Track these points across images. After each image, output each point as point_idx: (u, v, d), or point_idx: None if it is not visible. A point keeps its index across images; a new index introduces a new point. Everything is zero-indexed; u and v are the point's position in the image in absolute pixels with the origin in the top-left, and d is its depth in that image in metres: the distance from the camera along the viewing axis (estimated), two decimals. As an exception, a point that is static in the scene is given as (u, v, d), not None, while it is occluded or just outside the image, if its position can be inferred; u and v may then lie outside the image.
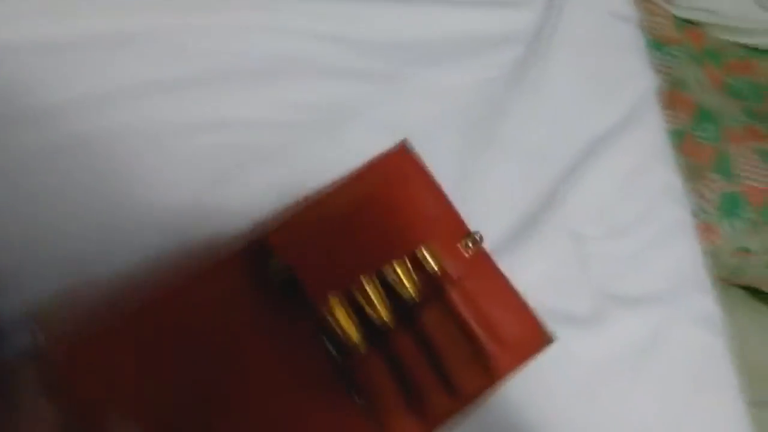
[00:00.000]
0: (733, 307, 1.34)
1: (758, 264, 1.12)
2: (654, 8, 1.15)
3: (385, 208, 0.49)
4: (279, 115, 0.52)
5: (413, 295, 0.46)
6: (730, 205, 1.02)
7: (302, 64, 0.55)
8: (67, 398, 0.36)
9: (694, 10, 1.16)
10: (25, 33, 0.48)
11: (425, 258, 0.48)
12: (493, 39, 0.62)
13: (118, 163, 0.47)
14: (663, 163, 0.64)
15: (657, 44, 1.12)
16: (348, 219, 0.47)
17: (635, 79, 0.67)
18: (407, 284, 0.46)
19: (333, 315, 0.43)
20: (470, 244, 0.50)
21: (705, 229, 1.01)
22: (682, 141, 1.03)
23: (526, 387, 0.48)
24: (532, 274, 0.52)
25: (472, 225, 0.51)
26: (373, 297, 0.44)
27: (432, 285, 0.48)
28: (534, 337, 0.50)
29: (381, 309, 0.44)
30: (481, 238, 0.50)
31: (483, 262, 0.51)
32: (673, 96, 1.07)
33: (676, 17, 1.17)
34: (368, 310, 0.44)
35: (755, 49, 1.24)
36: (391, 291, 0.45)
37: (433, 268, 0.48)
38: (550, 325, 0.50)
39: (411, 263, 0.47)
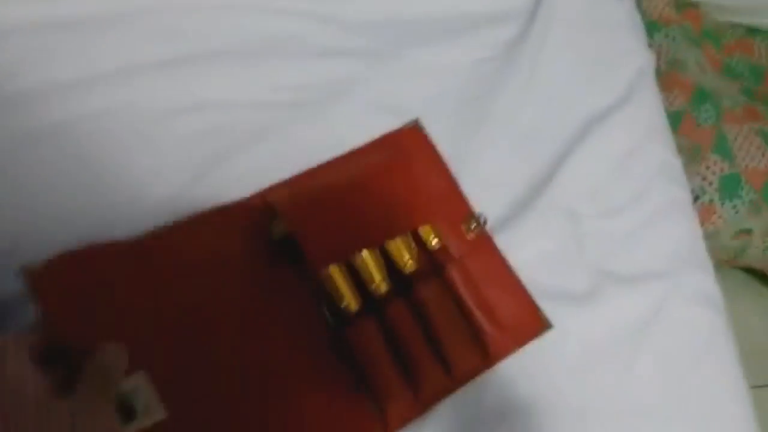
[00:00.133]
0: (735, 290, 1.35)
1: (759, 246, 1.11)
2: (652, -11, 1.14)
3: (392, 183, 0.49)
4: (271, 95, 0.52)
5: (412, 268, 0.46)
6: (731, 187, 1.01)
7: (293, 44, 0.54)
8: (48, 325, 0.35)
9: (692, -9, 1.15)
10: (7, 15, 0.47)
11: (427, 235, 0.48)
12: (487, 18, 0.62)
13: (105, 148, 0.46)
14: (660, 143, 0.64)
15: (655, 25, 1.11)
16: (354, 190, 0.47)
17: (631, 57, 0.66)
18: (407, 257, 0.46)
19: (331, 280, 0.42)
20: (473, 226, 0.50)
21: (705, 211, 1.01)
22: (681, 122, 1.02)
23: (522, 364, 0.48)
24: (528, 253, 0.52)
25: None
26: (371, 266, 0.44)
27: (432, 262, 0.48)
28: (531, 322, 0.50)
29: (378, 278, 0.44)
30: (485, 220, 0.50)
31: (485, 245, 0.51)
32: (671, 77, 1.06)
33: (674, -2, 1.16)
34: (366, 277, 0.44)
35: (754, 30, 1.23)
36: (390, 263, 0.45)
37: (434, 246, 0.48)
38: (547, 303, 0.51)
39: (413, 239, 0.47)
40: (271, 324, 0.42)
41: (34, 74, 0.46)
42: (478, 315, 0.47)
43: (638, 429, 0.50)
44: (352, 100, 0.54)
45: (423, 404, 0.44)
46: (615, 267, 0.55)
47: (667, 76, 1.06)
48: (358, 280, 0.44)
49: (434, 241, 0.48)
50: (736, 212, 1.03)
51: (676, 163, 0.64)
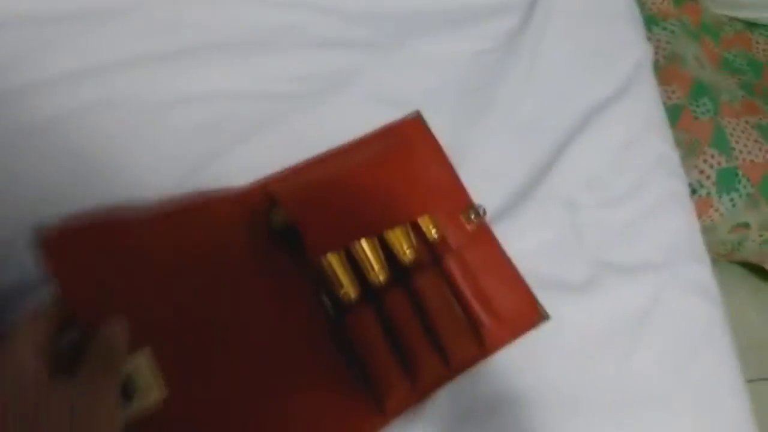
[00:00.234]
0: (732, 284, 1.36)
1: (756, 240, 1.12)
2: (651, -17, 1.14)
3: (393, 173, 0.49)
4: (271, 86, 0.52)
5: (411, 258, 0.46)
6: (728, 180, 1.02)
7: (293, 35, 0.54)
8: (58, 291, 0.35)
9: (691, -15, 1.15)
10: (4, 7, 0.47)
11: (427, 226, 0.48)
12: (488, 9, 0.62)
13: (102, 141, 0.46)
14: (657, 135, 0.64)
15: (654, 19, 1.11)
16: (355, 180, 0.47)
17: (629, 50, 0.67)
18: (405, 247, 0.46)
19: (330, 268, 0.43)
20: (473, 217, 0.50)
21: (703, 204, 1.01)
22: (679, 116, 1.03)
23: (519, 353, 0.48)
24: (527, 243, 0.52)
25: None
26: (370, 255, 0.44)
27: (431, 252, 0.48)
28: (529, 313, 0.50)
29: (377, 267, 0.44)
30: (484, 211, 0.50)
31: (484, 236, 0.51)
32: (670, 71, 1.06)
33: (673, -8, 1.16)
34: (364, 267, 0.44)
35: (753, 24, 1.23)
36: (389, 253, 0.46)
37: (433, 236, 0.48)
38: (545, 292, 0.51)
39: (412, 229, 0.47)
40: (270, 311, 0.42)
41: (31, 67, 0.46)
42: (476, 305, 0.47)
43: (634, 419, 0.50)
44: (352, 91, 0.54)
45: (420, 393, 0.44)
46: (613, 257, 0.55)
47: (665, 70, 1.06)
48: (357, 269, 0.44)
49: (433, 232, 0.48)
50: (734, 206, 1.03)
51: (673, 155, 0.64)
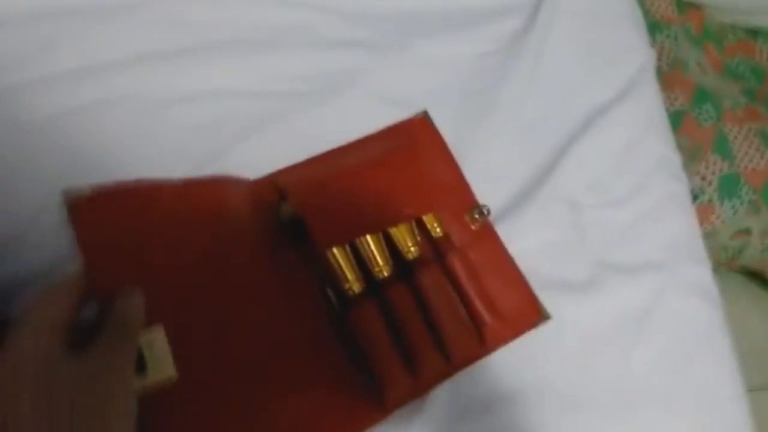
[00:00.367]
0: (734, 292, 1.36)
1: (758, 247, 1.12)
2: (655, -10, 1.15)
3: (399, 171, 0.50)
4: (274, 85, 0.52)
5: (415, 255, 0.46)
6: (730, 187, 1.02)
7: (298, 34, 0.55)
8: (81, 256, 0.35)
9: (694, -8, 1.16)
10: (7, 4, 0.47)
11: (431, 223, 0.49)
12: (491, 11, 0.63)
13: (105, 139, 0.46)
14: (659, 137, 0.64)
15: (658, 25, 1.11)
16: (362, 176, 0.47)
17: (632, 53, 0.67)
18: (410, 244, 0.46)
19: (336, 262, 0.43)
20: (477, 216, 0.51)
21: (704, 211, 1.02)
22: (682, 122, 1.03)
23: (520, 351, 0.48)
24: (529, 242, 0.53)
25: (470, 194, 0.51)
26: (375, 250, 0.44)
27: (435, 250, 0.49)
28: (530, 313, 0.50)
29: (381, 262, 0.44)
30: (488, 211, 0.51)
31: (488, 235, 0.52)
32: (673, 77, 1.07)
33: (677, -1, 1.16)
34: (369, 262, 0.44)
35: (756, 31, 1.24)
36: (394, 249, 0.46)
37: (437, 234, 0.49)
38: (547, 292, 0.51)
39: (417, 227, 0.48)
40: (276, 300, 0.43)
41: (32, 65, 0.46)
42: (478, 303, 0.47)
43: (634, 418, 0.50)
44: (354, 92, 0.54)
45: (421, 388, 0.45)
46: (614, 258, 0.55)
47: (668, 76, 1.06)
48: (362, 264, 0.44)
49: (438, 230, 0.49)
50: (735, 212, 1.03)
51: (674, 158, 0.64)
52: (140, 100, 0.48)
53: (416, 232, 0.47)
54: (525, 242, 0.52)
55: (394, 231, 0.46)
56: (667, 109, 0.69)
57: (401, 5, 0.59)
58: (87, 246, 0.36)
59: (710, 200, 1.01)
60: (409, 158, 0.51)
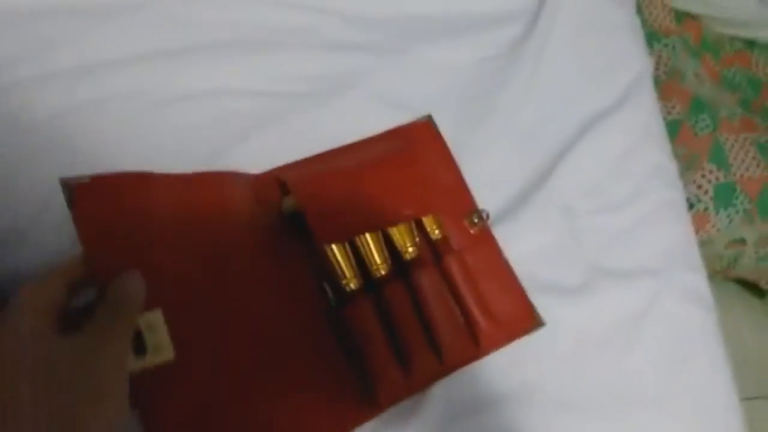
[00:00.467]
0: (728, 302, 1.36)
1: (752, 256, 1.12)
2: (654, 0, 1.16)
3: (401, 172, 0.50)
4: (277, 86, 0.53)
5: (412, 255, 0.46)
6: (726, 196, 1.03)
7: (301, 36, 0.55)
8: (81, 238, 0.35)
9: (692, 3, 1.17)
10: (6, 3, 0.47)
11: (430, 225, 0.49)
12: (492, 18, 0.63)
13: (108, 136, 0.46)
14: (655, 145, 0.65)
15: (656, 35, 1.12)
16: (364, 176, 0.48)
17: (630, 62, 0.68)
18: (408, 244, 0.47)
19: (335, 258, 0.43)
20: (476, 220, 0.51)
21: (700, 219, 1.02)
22: (678, 131, 1.04)
23: (515, 353, 0.49)
24: (525, 246, 0.53)
25: (468, 197, 0.51)
26: (373, 248, 0.45)
27: (433, 251, 0.49)
28: (525, 319, 0.51)
29: (379, 260, 0.45)
30: (487, 216, 0.51)
31: (486, 240, 0.52)
32: (670, 87, 1.08)
33: (675, 9, 1.18)
34: (367, 259, 0.44)
35: (752, 43, 1.25)
36: (392, 249, 0.46)
37: (436, 236, 0.49)
38: (541, 295, 0.52)
39: (416, 228, 0.48)
40: (273, 292, 0.43)
41: (33, 63, 0.46)
42: (473, 306, 0.48)
43: (627, 422, 0.50)
44: (355, 94, 0.55)
45: (413, 386, 0.45)
46: (609, 262, 0.56)
47: (666, 86, 1.07)
48: (360, 262, 0.45)
49: (437, 232, 0.49)
50: (731, 221, 1.04)
51: (671, 166, 0.65)
52: (140, 100, 0.48)
53: (415, 233, 0.48)
54: (521, 246, 0.53)
55: (393, 231, 0.46)
56: (665, 118, 0.70)
57: (403, 10, 0.60)
58: (86, 230, 0.36)
59: (706, 209, 1.02)
60: (410, 160, 0.51)
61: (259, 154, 0.49)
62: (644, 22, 1.10)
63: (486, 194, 0.54)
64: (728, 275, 1.23)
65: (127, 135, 0.47)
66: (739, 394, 0.57)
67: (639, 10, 0.77)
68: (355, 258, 0.44)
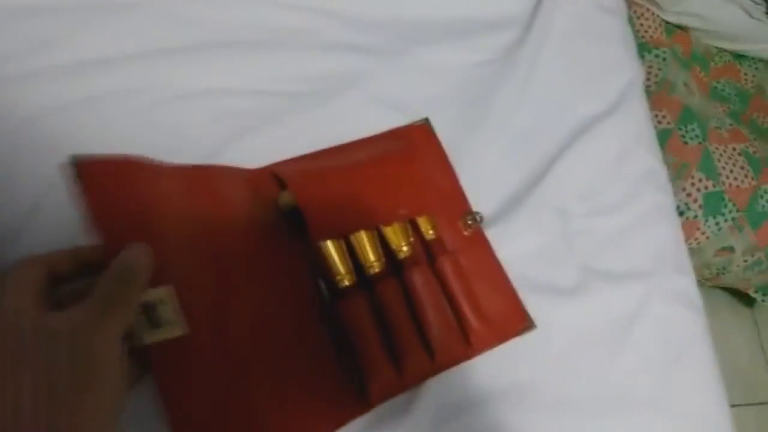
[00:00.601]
0: (717, 309, 1.38)
1: (741, 264, 1.14)
2: (644, 12, 1.18)
3: (397, 173, 0.51)
4: (275, 86, 0.53)
5: (406, 255, 0.47)
6: (714, 204, 1.04)
7: (299, 36, 0.56)
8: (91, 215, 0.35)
9: (683, 16, 1.20)
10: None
11: (425, 226, 0.49)
12: (488, 24, 0.64)
13: (108, 132, 0.46)
14: (646, 150, 0.66)
15: (647, 47, 1.14)
16: (361, 175, 0.48)
17: (622, 69, 0.69)
18: (402, 243, 0.47)
19: (330, 254, 0.43)
20: (470, 222, 0.52)
21: (689, 227, 1.04)
22: (668, 140, 1.05)
23: (507, 353, 0.49)
24: (518, 247, 0.54)
25: (462, 199, 0.52)
26: (367, 246, 0.45)
27: (426, 251, 0.49)
28: (516, 320, 0.51)
29: (373, 258, 0.45)
30: (481, 218, 0.52)
31: (479, 242, 0.53)
32: (660, 97, 1.10)
33: (665, 22, 1.20)
34: (362, 257, 0.45)
35: (741, 56, 1.28)
36: (387, 248, 0.47)
37: (430, 236, 0.49)
38: (533, 296, 0.52)
39: (411, 227, 0.49)
40: (268, 286, 0.43)
41: (30, 59, 0.46)
42: (466, 307, 0.48)
43: (617, 422, 0.51)
44: (353, 95, 0.55)
45: (404, 384, 0.45)
46: (602, 264, 0.57)
47: (656, 96, 1.09)
48: (355, 259, 0.45)
49: (431, 232, 0.50)
50: (719, 229, 1.05)
51: (661, 170, 0.66)
52: (137, 98, 0.48)
53: (410, 232, 0.48)
54: (515, 247, 0.53)
55: (387, 229, 0.47)
56: (655, 128, 0.71)
57: (402, 13, 0.61)
58: (96, 205, 0.35)
59: (695, 216, 1.03)
60: (407, 161, 0.52)
61: (256, 153, 0.49)
62: (635, 34, 1.12)
63: (480, 196, 0.54)
64: (717, 283, 1.24)
65: (124, 133, 0.46)
66: (729, 401, 0.57)
67: (630, 22, 0.78)
68: (350, 256, 0.45)
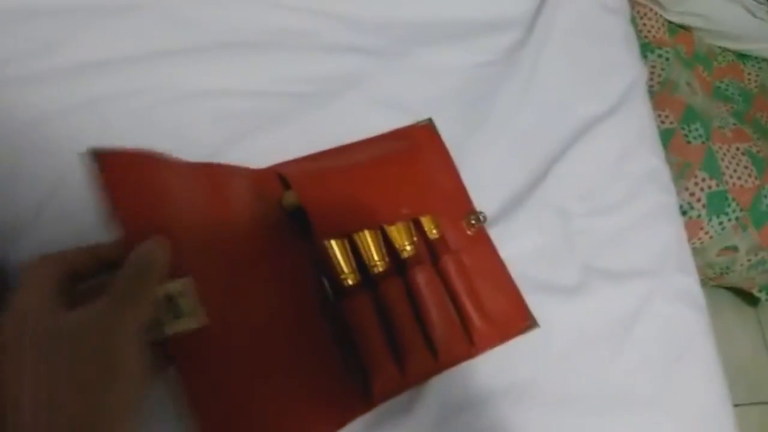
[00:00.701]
0: (721, 308, 1.37)
1: (744, 264, 1.14)
2: (647, 12, 1.18)
3: (401, 172, 0.51)
4: (277, 87, 0.53)
5: (410, 254, 0.47)
6: (718, 204, 1.04)
7: (301, 38, 0.56)
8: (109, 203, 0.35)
9: (686, 16, 1.20)
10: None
11: (428, 225, 0.50)
12: (490, 25, 0.65)
13: (108, 135, 0.46)
14: (649, 149, 0.66)
15: (650, 47, 1.14)
16: (365, 174, 0.49)
17: (624, 69, 0.69)
18: (406, 243, 0.47)
19: (334, 253, 0.44)
20: (473, 222, 0.52)
21: (693, 226, 1.03)
22: (671, 140, 1.05)
23: (509, 352, 0.49)
24: (520, 247, 0.54)
25: (465, 199, 0.52)
26: (371, 245, 0.45)
27: (430, 251, 0.50)
28: (519, 320, 0.52)
29: (377, 257, 0.45)
30: (484, 218, 0.52)
31: (482, 242, 0.53)
32: (663, 97, 1.09)
33: (668, 22, 1.20)
34: (365, 256, 0.45)
35: (744, 55, 1.27)
36: (391, 247, 0.47)
37: (433, 236, 0.50)
38: (535, 295, 0.52)
39: (414, 227, 0.49)
40: (273, 285, 0.43)
41: (31, 61, 0.47)
42: (469, 306, 0.48)
43: (620, 421, 0.51)
44: (355, 96, 0.55)
45: (407, 383, 0.45)
46: (603, 264, 0.57)
47: (659, 96, 1.09)
48: (358, 258, 0.45)
49: (434, 232, 0.50)
50: (723, 229, 1.05)
51: (664, 170, 0.66)
52: (138, 99, 0.48)
53: (413, 232, 0.49)
54: (517, 246, 0.54)
55: (391, 229, 0.47)
56: (658, 127, 0.71)
57: (403, 15, 0.61)
58: (117, 196, 0.35)
59: (699, 216, 1.03)
60: (410, 161, 0.52)
61: (257, 154, 0.49)
62: (638, 34, 1.12)
63: (483, 196, 0.54)
64: (721, 282, 1.24)
65: (126, 135, 0.47)
66: (732, 401, 0.58)
67: (633, 22, 0.78)
68: (354, 255, 0.45)
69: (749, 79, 1.26)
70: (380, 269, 0.45)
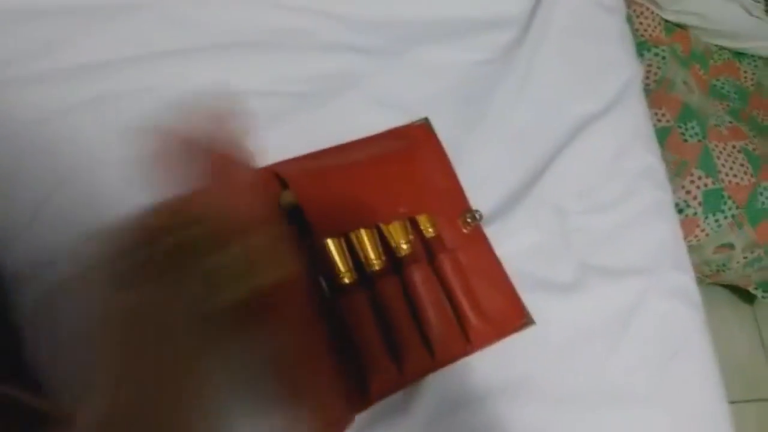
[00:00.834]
0: (717, 306, 1.38)
1: (741, 261, 1.14)
2: (644, 11, 1.18)
3: (398, 171, 0.51)
4: (277, 86, 0.54)
5: (406, 252, 0.47)
6: (714, 201, 1.04)
7: (299, 38, 0.57)
8: None
9: (682, 14, 1.20)
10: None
11: (424, 224, 0.50)
12: (487, 23, 0.65)
13: (108, 135, 0.46)
14: (645, 147, 0.66)
15: (646, 45, 1.15)
16: (361, 173, 0.49)
17: (621, 68, 0.70)
18: (402, 241, 0.48)
19: (330, 252, 0.44)
20: (469, 220, 0.52)
21: (689, 224, 1.04)
22: (667, 138, 1.06)
23: (505, 349, 0.50)
24: (517, 244, 0.54)
25: (461, 197, 0.52)
26: (368, 244, 0.46)
27: (426, 249, 0.50)
28: (515, 317, 0.52)
29: (373, 256, 0.46)
30: (480, 216, 0.52)
31: (478, 240, 0.53)
32: (660, 95, 1.10)
33: (665, 20, 1.20)
34: (362, 254, 0.45)
35: (741, 54, 1.28)
36: (387, 246, 0.47)
37: (429, 234, 0.50)
38: (532, 292, 0.53)
39: (410, 226, 0.49)
40: None
41: (31, 62, 0.47)
42: (465, 304, 0.49)
43: (613, 417, 0.51)
44: (354, 94, 0.56)
45: (404, 381, 0.46)
46: (599, 261, 0.57)
47: (655, 94, 1.09)
48: (355, 258, 0.45)
49: (430, 230, 0.50)
50: (719, 226, 1.05)
51: (660, 167, 0.66)
52: (138, 100, 0.49)
53: (409, 230, 0.49)
54: (513, 244, 0.54)
55: (387, 228, 0.47)
56: (654, 126, 0.71)
57: (400, 14, 0.62)
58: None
59: (695, 214, 1.03)
60: (407, 160, 0.53)
61: (256, 153, 0.49)
62: (634, 32, 1.12)
63: (479, 194, 0.55)
64: (717, 280, 1.24)
65: (127, 133, 0.46)
66: (728, 398, 0.58)
67: (629, 21, 0.79)
68: (350, 254, 0.45)
69: (745, 77, 1.26)
70: (377, 268, 0.45)
